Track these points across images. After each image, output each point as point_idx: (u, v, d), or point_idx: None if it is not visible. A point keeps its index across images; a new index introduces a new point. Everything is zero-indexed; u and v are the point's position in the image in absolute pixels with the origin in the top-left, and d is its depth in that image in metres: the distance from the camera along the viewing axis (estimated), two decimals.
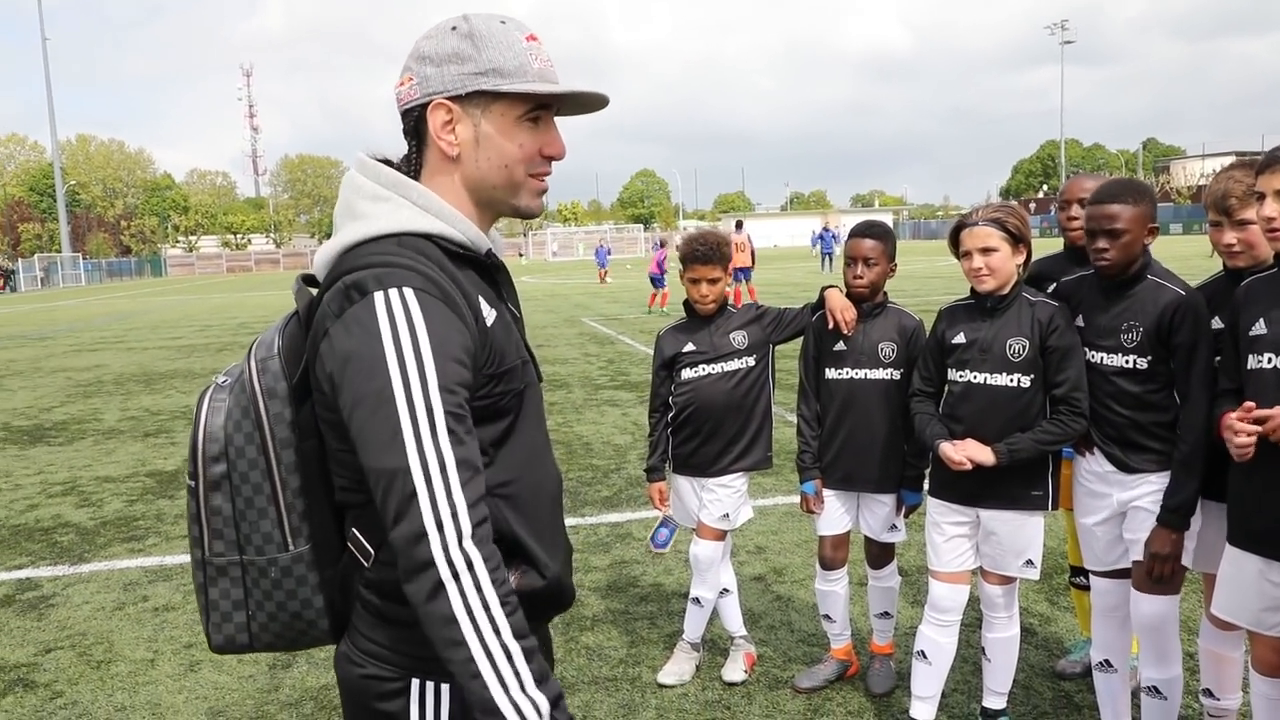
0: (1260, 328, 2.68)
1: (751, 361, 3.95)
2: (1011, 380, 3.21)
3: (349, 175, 1.66)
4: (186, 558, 5.92)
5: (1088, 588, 3.51)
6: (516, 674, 1.42)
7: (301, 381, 1.59)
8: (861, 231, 3.76)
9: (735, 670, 4.10)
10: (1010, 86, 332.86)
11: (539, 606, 1.62)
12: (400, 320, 1.45)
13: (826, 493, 3.85)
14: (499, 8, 1.76)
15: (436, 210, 1.59)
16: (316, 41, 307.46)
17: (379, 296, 1.46)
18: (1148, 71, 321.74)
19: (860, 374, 3.73)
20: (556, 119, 1.67)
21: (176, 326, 24.86)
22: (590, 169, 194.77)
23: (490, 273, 1.69)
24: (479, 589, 1.40)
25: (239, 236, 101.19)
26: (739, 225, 25.85)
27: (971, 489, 3.28)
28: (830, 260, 37.54)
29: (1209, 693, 3.26)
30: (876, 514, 3.85)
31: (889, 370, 3.69)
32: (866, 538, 3.95)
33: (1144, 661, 3.22)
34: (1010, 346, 3.22)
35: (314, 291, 1.62)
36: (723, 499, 3.97)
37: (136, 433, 10.20)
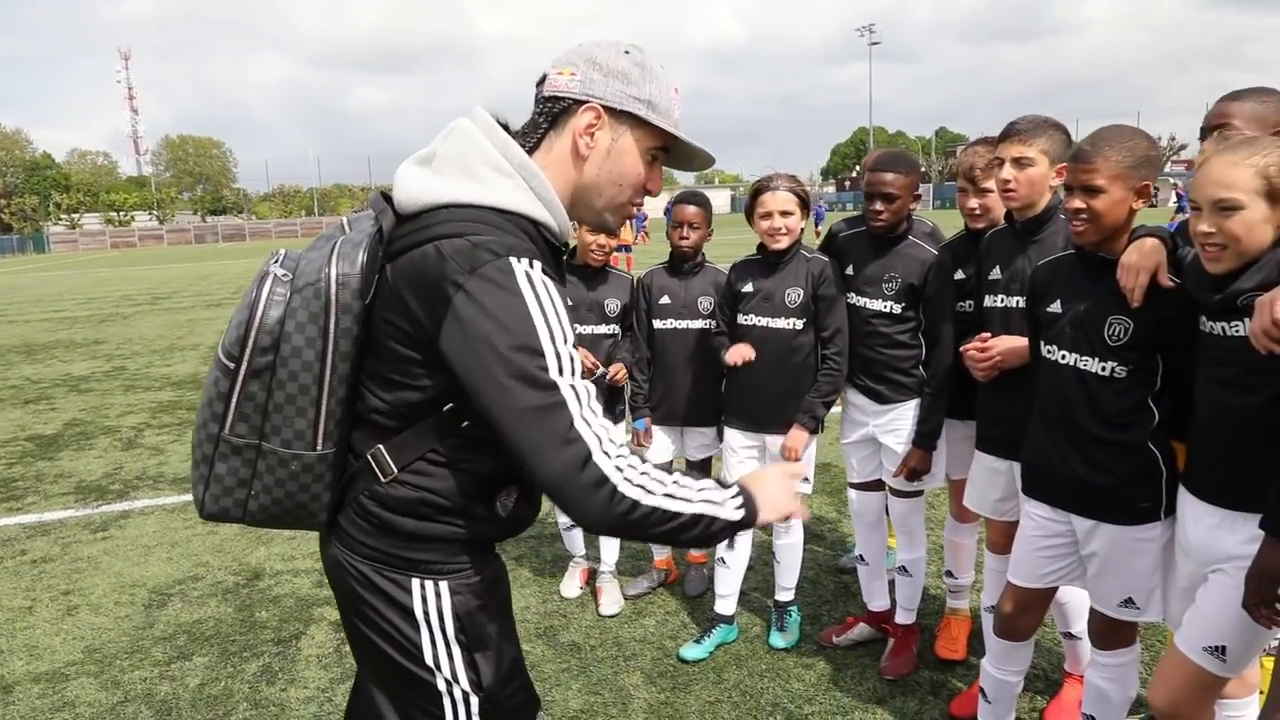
0: (996, 273, 2.88)
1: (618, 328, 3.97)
2: (788, 323, 3.38)
3: (468, 129, 1.59)
4: (65, 513, 5.65)
5: None
6: (710, 501, 1.53)
7: (369, 305, 1.55)
8: (685, 199, 3.82)
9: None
10: (829, 80, 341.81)
11: (518, 525, 1.71)
12: (539, 285, 1.46)
13: (654, 428, 3.95)
14: None
15: (548, 202, 1.58)
16: (189, 25, 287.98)
17: (515, 262, 1.46)
18: (940, 70, 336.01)
19: (683, 325, 3.81)
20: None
21: (59, 300, 23.09)
22: None
23: (559, 258, 1.68)
24: (638, 470, 1.47)
25: (122, 214, 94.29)
26: None
27: (758, 417, 3.44)
28: None
29: (950, 574, 3.55)
30: (696, 441, 3.96)
31: (707, 321, 3.78)
32: (688, 461, 4.08)
33: (898, 548, 3.49)
34: (789, 295, 3.38)
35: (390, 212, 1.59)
36: None
37: (16, 400, 9.50)
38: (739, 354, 3.37)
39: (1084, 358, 2.32)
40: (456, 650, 1.64)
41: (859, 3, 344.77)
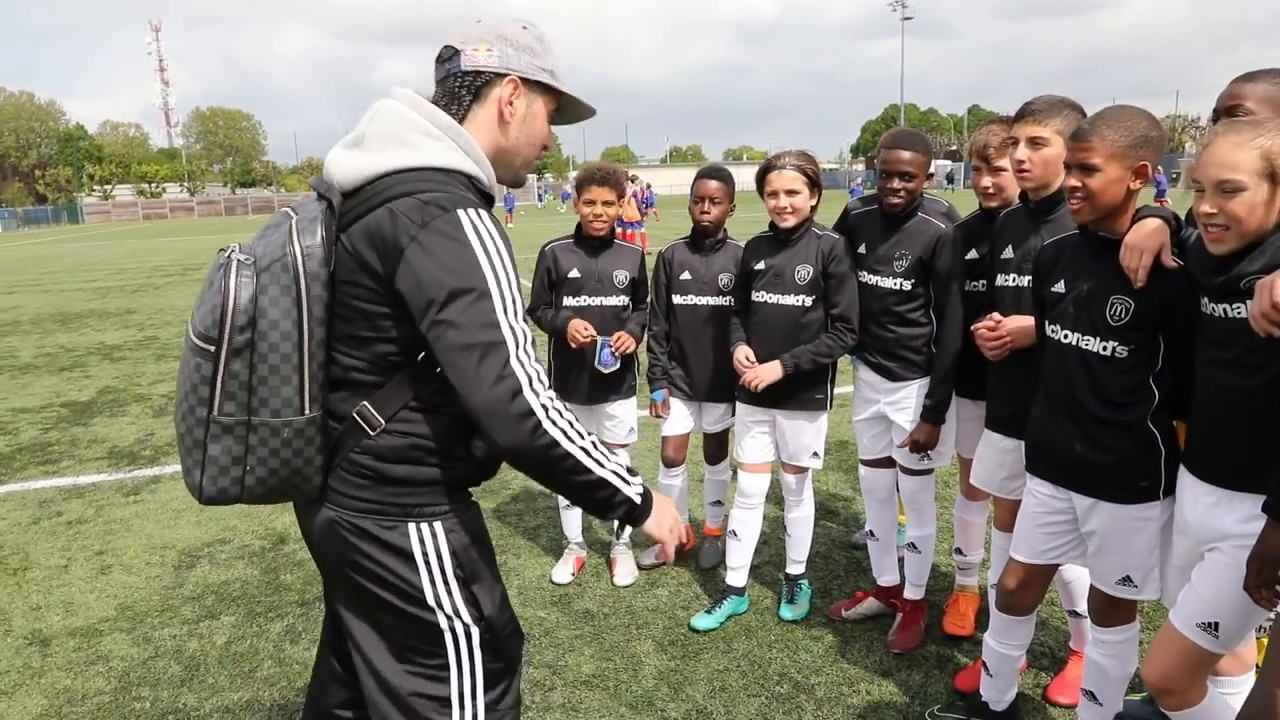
0: (1009, 253, 2.90)
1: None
2: (797, 300, 3.42)
3: (392, 106, 1.74)
4: (99, 477, 5.82)
5: None
6: (619, 475, 1.71)
7: (334, 272, 1.67)
8: (708, 174, 3.82)
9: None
10: (860, 55, 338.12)
11: (492, 465, 1.84)
12: (485, 234, 1.62)
13: (672, 400, 3.97)
14: None
15: (476, 158, 1.75)
16: None
17: (462, 214, 1.62)
18: (974, 46, 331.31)
19: (703, 300, 3.82)
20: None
21: (93, 270, 23.50)
22: None
23: (490, 207, 1.81)
24: (563, 415, 1.64)
25: (153, 186, 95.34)
26: (631, 179, 25.64)
27: (769, 394, 3.48)
28: None
29: (959, 551, 3.60)
30: (713, 414, 4.00)
31: (727, 298, 3.77)
32: (705, 435, 4.12)
33: (908, 525, 3.54)
34: (798, 272, 3.41)
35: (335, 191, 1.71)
36: (620, 420, 4.03)
37: (52, 368, 9.74)
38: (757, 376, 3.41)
39: (1086, 337, 2.35)
40: (455, 586, 1.77)
41: None
